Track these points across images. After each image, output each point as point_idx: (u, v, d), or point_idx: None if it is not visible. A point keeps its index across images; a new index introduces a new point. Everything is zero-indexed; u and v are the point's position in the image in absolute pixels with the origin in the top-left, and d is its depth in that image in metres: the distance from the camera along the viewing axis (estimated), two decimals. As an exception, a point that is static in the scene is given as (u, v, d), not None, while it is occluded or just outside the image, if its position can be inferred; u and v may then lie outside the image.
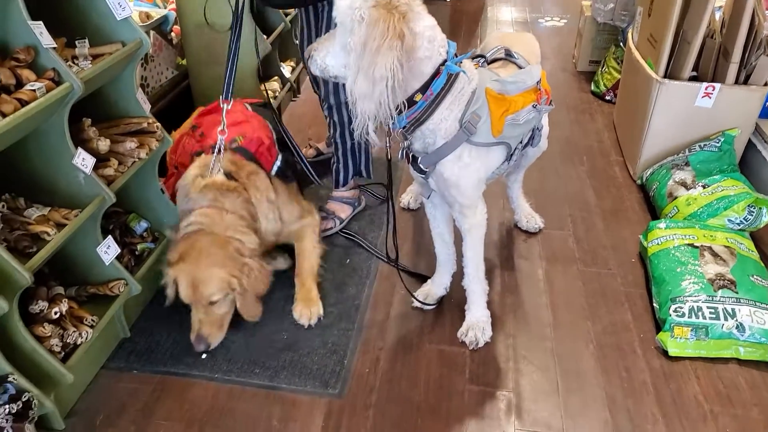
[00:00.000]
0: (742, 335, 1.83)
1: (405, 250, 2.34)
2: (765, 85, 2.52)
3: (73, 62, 1.70)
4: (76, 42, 1.72)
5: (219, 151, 1.98)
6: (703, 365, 1.85)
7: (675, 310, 1.90)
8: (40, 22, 1.44)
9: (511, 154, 1.79)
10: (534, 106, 1.72)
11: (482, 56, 1.77)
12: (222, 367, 1.84)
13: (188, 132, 2.27)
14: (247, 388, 1.78)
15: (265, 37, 2.95)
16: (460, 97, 1.56)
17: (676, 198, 2.42)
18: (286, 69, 3.45)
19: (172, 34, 2.91)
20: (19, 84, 1.41)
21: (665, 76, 2.63)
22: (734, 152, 2.54)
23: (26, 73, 1.41)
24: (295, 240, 2.19)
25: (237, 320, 1.94)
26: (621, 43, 3.59)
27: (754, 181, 2.54)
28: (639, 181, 2.78)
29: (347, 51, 1.44)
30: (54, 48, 1.47)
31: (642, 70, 2.76)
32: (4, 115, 1.32)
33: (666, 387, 1.78)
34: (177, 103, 2.90)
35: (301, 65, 3.58)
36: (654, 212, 2.58)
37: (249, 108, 2.36)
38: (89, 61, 1.70)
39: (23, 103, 1.36)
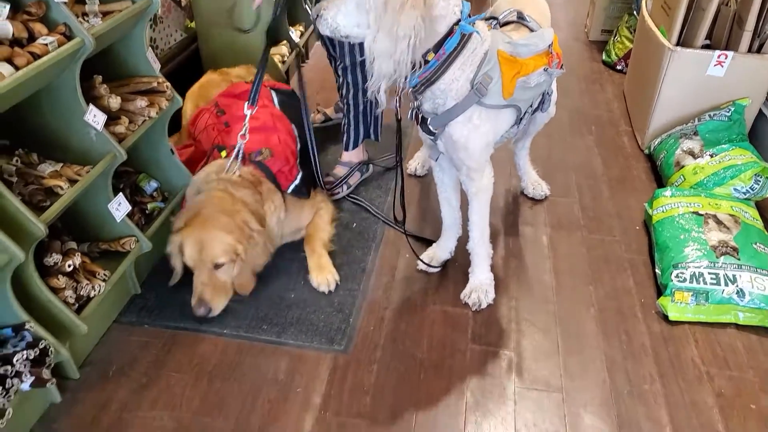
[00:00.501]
0: (742, 300, 1.85)
1: (411, 216, 2.37)
2: (778, 54, 2.50)
3: (84, 18, 1.71)
4: (86, -1, 1.74)
5: (237, 156, 1.98)
6: (702, 329, 1.88)
7: (677, 276, 1.93)
8: (51, -25, 1.45)
9: (521, 118, 1.79)
10: (545, 70, 1.72)
11: (495, 18, 1.77)
12: (230, 324, 1.89)
13: (211, 110, 2.29)
14: (254, 343, 1.83)
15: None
16: (472, 57, 1.56)
17: (683, 167, 2.43)
18: (295, 33, 3.44)
19: (182, -5, 2.91)
20: (32, 38, 1.43)
21: (678, 44, 2.61)
22: (744, 122, 2.53)
23: (38, 27, 1.43)
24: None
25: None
26: (635, 12, 3.55)
27: (764, 150, 2.53)
28: (647, 151, 2.78)
29: (364, 10, 1.44)
30: (65, 3, 1.48)
31: (654, 38, 2.74)
32: (18, 68, 1.34)
33: (665, 350, 1.81)
34: (186, 66, 2.91)
35: (310, 30, 3.56)
36: (661, 182, 2.58)
37: (276, 99, 2.35)
38: (99, 18, 1.71)
39: (35, 56, 1.38)
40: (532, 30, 1.79)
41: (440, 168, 1.94)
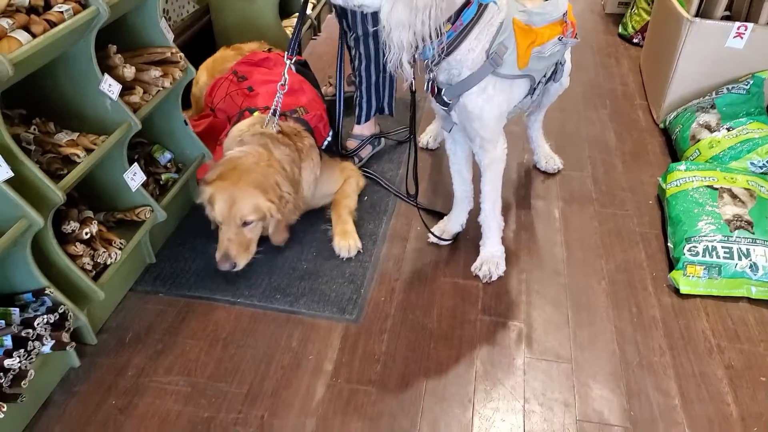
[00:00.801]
0: (756, 274, 1.85)
1: (423, 189, 2.37)
2: (799, 25, 2.45)
3: (98, -11, 1.71)
4: (100, -32, 1.73)
5: (276, 110, 1.99)
6: (714, 303, 1.88)
7: (689, 249, 1.92)
8: (65, -56, 1.45)
9: (534, 88, 1.78)
10: (560, 39, 1.71)
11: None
12: (244, 293, 1.92)
13: (230, 78, 2.29)
14: (268, 312, 1.86)
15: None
16: (488, 27, 1.55)
17: (698, 140, 2.40)
18: (308, 6, 3.41)
19: (194, -34, 2.89)
20: (48, 5, 1.43)
21: (697, 15, 2.56)
22: (763, 95, 2.50)
23: (54, -5, 1.43)
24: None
25: (260, 247, 1.99)
26: (653, -17, 3.48)
27: (781, 125, 2.50)
28: (662, 125, 2.75)
29: None
30: (78, -28, 1.48)
31: (673, 9, 2.69)
32: (34, 36, 1.35)
33: (675, 323, 1.82)
34: (198, 38, 2.90)
35: (322, 2, 3.53)
36: (675, 156, 2.56)
37: (293, 68, 2.36)
38: (113, -12, 1.72)
39: (52, 24, 1.39)
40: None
41: (453, 140, 1.93)
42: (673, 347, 1.74)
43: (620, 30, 3.71)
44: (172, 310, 1.87)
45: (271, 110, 2.00)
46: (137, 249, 1.91)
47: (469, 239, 2.12)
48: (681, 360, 1.70)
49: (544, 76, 1.80)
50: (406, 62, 1.48)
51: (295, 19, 3.19)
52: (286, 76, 2.00)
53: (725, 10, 2.57)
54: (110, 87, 1.63)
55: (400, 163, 2.53)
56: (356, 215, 2.20)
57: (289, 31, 3.10)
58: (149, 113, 1.84)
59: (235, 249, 1.86)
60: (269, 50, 2.49)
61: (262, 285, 1.95)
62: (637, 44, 3.56)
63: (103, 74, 1.63)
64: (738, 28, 2.47)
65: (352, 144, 2.52)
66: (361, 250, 2.06)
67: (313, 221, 2.17)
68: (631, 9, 3.66)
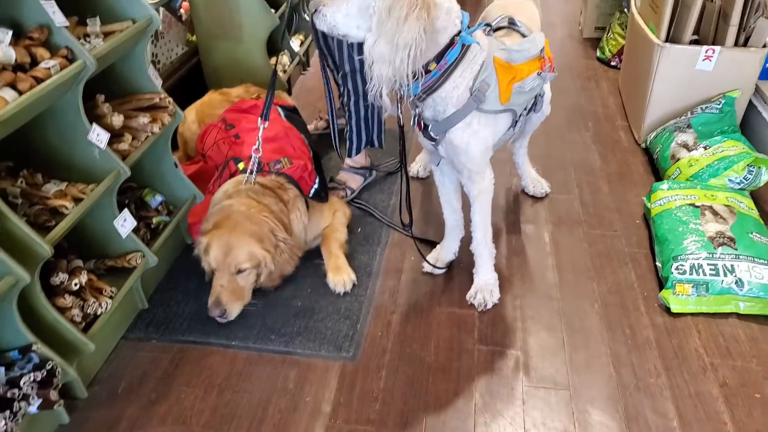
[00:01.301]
0: (741, 290, 1.88)
1: (414, 218, 2.36)
2: (764, 46, 2.54)
3: (85, 40, 1.73)
4: (88, 20, 1.76)
5: (253, 167, 2.03)
6: (704, 320, 1.90)
7: (677, 268, 1.95)
8: (53, 2, 1.47)
9: (516, 120, 1.82)
10: (538, 74, 1.75)
11: (488, 24, 1.79)
12: (239, 335, 1.91)
13: (219, 126, 2.33)
14: (263, 354, 1.85)
15: (273, 11, 2.97)
16: (471, 66, 1.60)
17: (678, 159, 2.45)
18: (296, 42, 3.47)
19: (182, 10, 2.93)
20: (34, 62, 1.45)
21: (666, 41, 2.64)
22: (735, 114, 2.56)
23: (41, 52, 1.45)
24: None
25: (253, 300, 2.00)
26: (625, 9, 3.58)
27: (755, 141, 2.57)
28: (643, 145, 2.81)
29: (367, 14, 1.47)
30: (67, 27, 1.50)
31: (644, 35, 2.77)
32: (21, 93, 1.36)
33: (668, 342, 1.84)
34: (188, 79, 2.93)
35: (310, 38, 3.59)
36: (658, 174, 2.61)
37: (282, 114, 2.40)
38: (101, 39, 1.74)
39: (38, 80, 1.40)
40: (523, 35, 1.82)
41: (441, 171, 1.96)
42: (668, 368, 1.75)
43: (598, 54, 3.81)
44: (166, 357, 1.85)
45: (248, 171, 2.03)
46: (129, 295, 1.90)
47: (462, 267, 2.14)
48: (677, 380, 1.71)
49: (525, 108, 1.84)
50: (385, 95, 1.52)
51: (283, 57, 3.27)
52: (260, 139, 2.04)
53: (693, 34, 2.65)
54: (98, 137, 1.64)
55: (391, 194, 2.55)
56: (348, 248, 2.21)
57: (279, 68, 3.14)
58: (139, 158, 1.85)
59: (227, 296, 1.87)
60: (257, 97, 2.52)
61: (256, 326, 1.94)
62: (614, 67, 3.65)
63: (91, 124, 1.64)
64: (706, 51, 2.55)
65: (343, 176, 2.55)
66: (356, 283, 2.07)
67: (306, 256, 2.17)
68: (607, 34, 3.76)
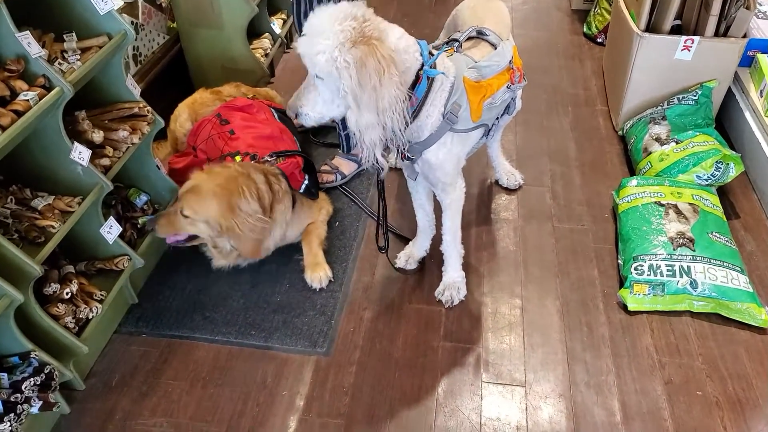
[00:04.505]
0: (695, 291, 1.99)
1: (390, 210, 2.46)
2: (743, 37, 2.55)
3: (63, 57, 1.80)
4: (65, 36, 1.82)
5: (254, 157, 2.16)
6: (659, 318, 2.02)
7: (636, 269, 2.06)
8: (27, 33, 1.53)
9: (489, 130, 1.90)
10: (508, 86, 1.81)
11: (455, 40, 1.83)
12: (222, 330, 2.05)
13: (213, 120, 2.39)
14: (244, 348, 1.99)
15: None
16: (440, 93, 1.64)
17: (650, 153, 2.52)
18: (276, 24, 3.48)
19: (160, -2, 2.95)
20: (13, 94, 1.53)
21: (647, 29, 2.66)
22: (711, 105, 2.61)
23: (19, 84, 1.52)
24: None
25: (235, 281, 2.13)
26: (612, -16, 3.55)
27: (733, 130, 2.62)
28: (620, 132, 2.86)
29: (339, 96, 1.50)
30: (42, 56, 1.57)
31: (625, 22, 2.78)
32: (3, 128, 1.45)
33: (622, 340, 1.96)
34: (172, 67, 2.98)
35: (291, 19, 3.59)
36: (631, 165, 2.68)
37: (276, 116, 2.46)
38: (78, 55, 1.81)
39: (18, 113, 1.48)
40: (492, 44, 1.86)
41: (415, 182, 2.05)
42: (619, 365, 1.88)
43: (585, 29, 3.79)
44: (155, 351, 2.00)
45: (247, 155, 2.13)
46: (119, 294, 2.03)
47: (434, 262, 2.25)
48: (625, 378, 1.85)
49: (497, 118, 1.90)
50: (380, 156, 1.56)
51: (265, 40, 3.29)
52: None
53: (676, 18, 2.66)
54: (80, 155, 1.73)
55: (371, 184, 2.64)
56: (326, 243, 2.32)
57: (258, 53, 3.17)
58: (123, 165, 1.95)
59: (164, 221, 1.98)
60: (253, 97, 2.58)
61: (238, 321, 2.08)
62: (600, 43, 3.64)
63: (72, 143, 1.72)
64: (685, 42, 2.57)
65: (338, 161, 2.63)
66: (332, 279, 2.19)
67: (286, 252, 2.29)
68: (594, 8, 3.73)
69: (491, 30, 1.89)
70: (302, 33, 1.51)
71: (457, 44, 1.82)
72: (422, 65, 1.59)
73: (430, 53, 1.64)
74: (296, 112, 1.58)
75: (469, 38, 1.88)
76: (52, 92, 1.58)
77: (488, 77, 1.76)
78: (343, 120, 2.43)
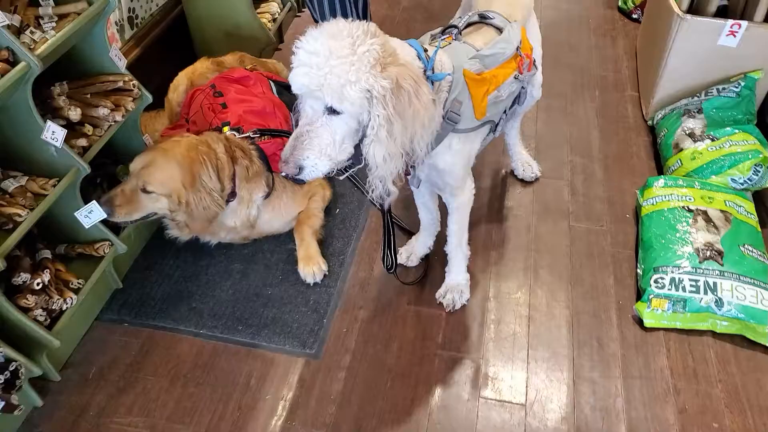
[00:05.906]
0: (720, 310, 1.82)
1: (392, 203, 2.32)
2: (797, 24, 2.30)
3: (38, 23, 1.65)
4: (40, 1, 1.66)
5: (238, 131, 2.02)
6: (677, 337, 1.86)
7: (656, 281, 1.88)
8: (-12, -1, 1.38)
9: (496, 125, 1.71)
10: (515, 77, 1.61)
11: (454, 26, 1.63)
12: (207, 323, 1.93)
13: (207, 91, 2.24)
14: (229, 345, 1.88)
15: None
16: (439, 93, 1.46)
17: (681, 150, 2.31)
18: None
19: (161, -45, 2.75)
20: (-26, 70, 1.38)
21: (689, 10, 2.41)
22: (754, 99, 2.37)
23: (-22, 58, 1.38)
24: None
25: (226, 269, 2.02)
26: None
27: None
28: (650, 123, 2.64)
29: (361, 130, 1.33)
30: (7, 26, 1.41)
31: (665, 1, 2.52)
32: (-41, 108, 1.31)
33: (635, 359, 1.81)
34: (172, 31, 2.80)
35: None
36: (659, 160, 2.47)
37: (274, 89, 2.29)
38: (54, 22, 1.65)
39: (-22, 92, 1.34)
40: (497, 28, 1.65)
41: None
42: (629, 388, 1.74)
43: (620, 2, 3.51)
44: (136, 343, 1.89)
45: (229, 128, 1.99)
46: (102, 278, 1.92)
47: (437, 260, 2.10)
48: (635, 403, 1.70)
49: (505, 112, 1.71)
50: (391, 186, 1.38)
51: (273, 3, 3.08)
52: None
53: (722, 0, 2.41)
54: (53, 135, 1.58)
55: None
56: (323, 232, 2.17)
57: (264, 18, 2.97)
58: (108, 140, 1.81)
59: (120, 201, 1.82)
60: (253, 68, 2.40)
61: (225, 314, 1.96)
62: (636, 20, 3.37)
63: (45, 122, 1.58)
64: (731, 26, 2.32)
65: None
66: (327, 273, 2.05)
67: (281, 241, 2.16)
68: (632, -20, 3.44)
69: (496, 12, 1.68)
70: (296, 65, 1.27)
71: (456, 31, 1.62)
72: (425, 71, 1.40)
73: (425, 50, 1.44)
74: (299, 166, 1.31)
75: (471, 24, 1.67)
76: (17, 67, 1.43)
77: (492, 67, 1.56)
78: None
